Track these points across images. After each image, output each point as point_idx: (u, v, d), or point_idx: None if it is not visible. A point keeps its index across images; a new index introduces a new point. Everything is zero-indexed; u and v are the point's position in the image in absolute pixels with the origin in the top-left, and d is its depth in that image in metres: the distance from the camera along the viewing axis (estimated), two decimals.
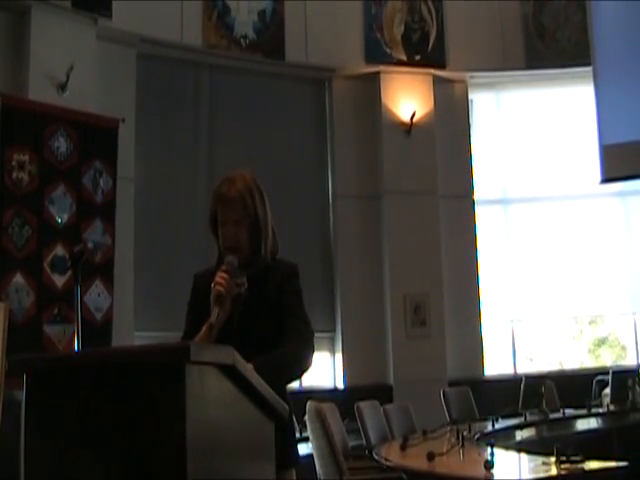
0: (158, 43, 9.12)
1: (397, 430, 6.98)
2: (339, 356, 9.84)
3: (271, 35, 9.82)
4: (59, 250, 7.53)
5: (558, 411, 8.44)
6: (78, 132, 7.87)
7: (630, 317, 10.74)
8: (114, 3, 8.54)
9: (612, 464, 4.72)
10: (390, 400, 8.94)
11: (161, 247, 8.93)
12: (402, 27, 10.52)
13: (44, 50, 7.98)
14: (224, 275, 2.99)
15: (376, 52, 10.39)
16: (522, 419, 7.98)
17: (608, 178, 10.09)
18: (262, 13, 9.80)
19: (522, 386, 8.59)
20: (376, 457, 5.77)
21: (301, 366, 2.97)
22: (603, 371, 9.72)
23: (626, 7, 10.15)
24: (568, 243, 10.72)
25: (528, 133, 11.03)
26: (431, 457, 4.95)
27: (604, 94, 10.08)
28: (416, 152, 10.20)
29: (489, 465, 4.45)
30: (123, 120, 8.27)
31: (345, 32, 10.30)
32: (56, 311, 7.45)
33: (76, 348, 3.36)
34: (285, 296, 3.09)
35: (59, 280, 7.50)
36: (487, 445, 5.34)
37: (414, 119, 10.20)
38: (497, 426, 7.40)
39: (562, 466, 4.41)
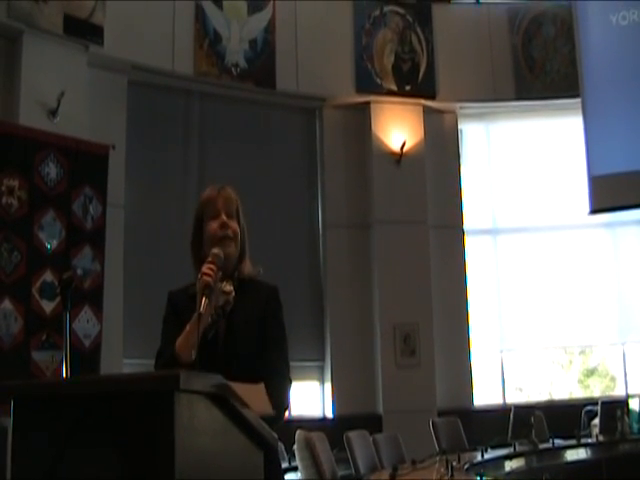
0: (149, 70, 9.14)
1: (386, 460, 6.94)
2: (328, 385, 9.80)
3: (262, 64, 9.85)
4: (48, 276, 7.50)
5: (547, 441, 8.43)
6: (68, 158, 7.86)
7: (619, 347, 10.74)
8: (105, 30, 8.56)
9: None
10: (379, 430, 8.90)
11: (150, 274, 8.90)
12: (392, 57, 10.58)
13: (35, 76, 7.98)
14: (211, 266, 2.91)
15: (366, 82, 10.43)
16: (511, 449, 7.96)
17: (597, 209, 10.15)
18: (253, 42, 9.83)
19: (511, 416, 8.56)
20: None
21: (282, 417, 2.89)
22: (592, 401, 9.75)
23: (614, 40, 10.25)
24: (557, 273, 10.74)
25: (517, 164, 11.09)
26: None
27: (593, 125, 10.15)
28: (406, 182, 10.22)
29: None
30: (113, 147, 8.25)
31: (336, 62, 10.34)
32: (44, 337, 7.39)
33: (64, 375, 3.33)
34: (271, 325, 3.03)
35: (48, 306, 7.46)
36: (476, 475, 5.33)
37: (404, 149, 10.24)
38: (486, 456, 7.36)
39: None
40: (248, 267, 3.13)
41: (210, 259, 2.95)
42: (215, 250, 2.98)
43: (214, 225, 3.06)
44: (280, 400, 2.90)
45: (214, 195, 3.10)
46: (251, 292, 3.08)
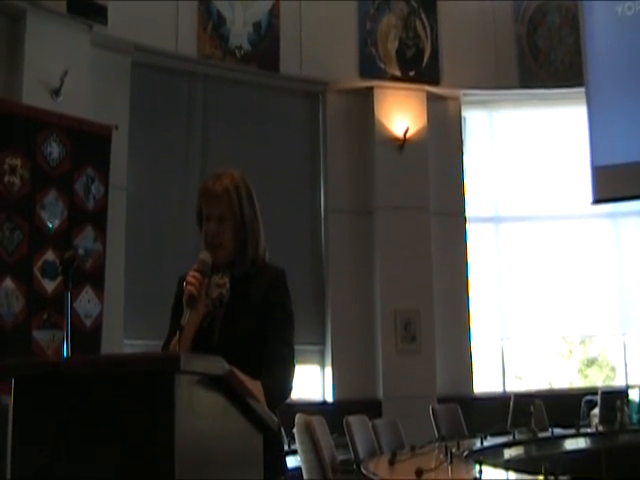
0: (153, 52, 9.11)
1: (386, 445, 6.94)
2: (328, 370, 9.81)
3: (266, 47, 9.82)
4: (50, 256, 7.49)
5: (547, 430, 8.42)
6: (71, 138, 7.84)
7: (620, 338, 10.75)
8: (109, 10, 8.52)
9: None
10: (379, 415, 8.90)
11: (152, 255, 8.90)
12: (396, 43, 10.54)
13: (38, 55, 7.95)
14: (196, 274, 2.90)
15: (370, 67, 10.40)
16: (511, 437, 7.95)
17: (599, 199, 10.13)
18: (257, 25, 9.80)
19: (511, 404, 8.57)
20: (364, 472, 5.72)
21: (283, 400, 2.89)
22: (592, 391, 9.75)
23: (619, 30, 10.22)
24: (559, 263, 10.74)
25: (520, 152, 11.07)
26: (419, 473, 4.90)
27: (596, 115, 10.13)
28: (408, 168, 10.20)
29: None
30: (116, 127, 8.23)
31: (340, 46, 10.31)
32: (45, 317, 7.39)
33: (65, 354, 3.32)
34: (273, 310, 2.99)
35: (49, 286, 7.45)
36: (475, 462, 5.32)
37: (407, 135, 10.21)
38: (486, 444, 7.34)
39: None
40: (255, 253, 3.08)
41: (196, 266, 2.94)
42: (202, 256, 2.97)
43: (205, 229, 3.04)
44: (283, 385, 2.89)
45: (208, 190, 3.05)
46: (256, 278, 3.05)
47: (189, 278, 2.89)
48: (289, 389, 2.93)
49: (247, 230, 3.05)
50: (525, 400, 8.67)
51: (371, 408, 8.85)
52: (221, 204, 3.01)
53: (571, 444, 8.22)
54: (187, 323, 2.86)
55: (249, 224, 3.05)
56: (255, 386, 2.55)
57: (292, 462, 6.43)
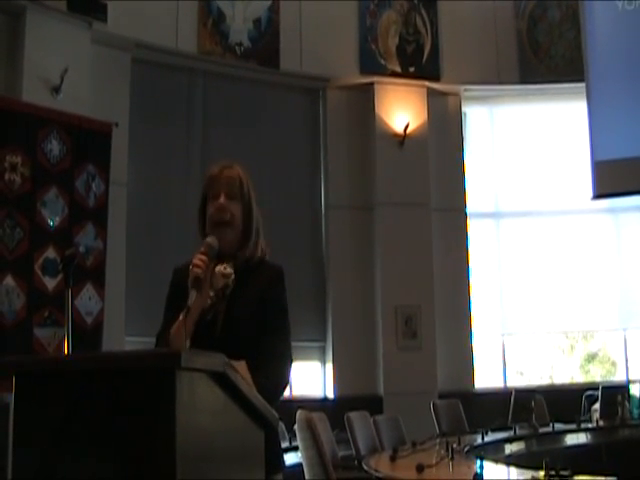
0: (153, 48, 9.11)
1: (387, 441, 6.94)
2: (330, 366, 9.81)
3: (266, 43, 9.81)
4: (50, 253, 7.50)
5: (548, 425, 8.42)
6: (71, 135, 7.85)
7: (620, 333, 10.75)
8: (109, 7, 8.51)
9: (601, 479, 4.70)
10: (380, 411, 8.91)
11: (153, 252, 8.90)
12: (397, 39, 10.54)
13: (38, 52, 7.95)
14: (202, 257, 2.87)
15: (371, 63, 10.40)
16: (512, 433, 7.94)
17: (600, 194, 10.12)
18: (257, 21, 9.80)
19: (512, 400, 8.57)
20: (365, 468, 5.72)
21: (278, 397, 2.87)
22: (593, 386, 9.75)
23: (620, 25, 10.21)
24: (559, 258, 10.73)
25: (521, 147, 11.06)
26: (420, 469, 4.91)
27: (597, 110, 10.12)
28: (409, 164, 10.19)
29: (478, 478, 4.42)
30: (116, 124, 8.25)
31: (340, 42, 10.30)
32: (47, 314, 7.41)
33: (66, 352, 3.32)
34: (270, 307, 2.99)
35: (50, 283, 7.46)
36: (476, 458, 5.31)
37: (407, 131, 10.21)
38: (487, 439, 7.34)
39: None
40: (255, 248, 3.08)
41: (202, 249, 2.92)
42: (208, 239, 2.95)
43: (212, 208, 3.02)
44: (277, 380, 2.89)
45: (216, 174, 3.06)
46: (255, 274, 3.04)
47: (195, 261, 2.87)
48: (284, 386, 2.92)
49: (252, 219, 3.06)
50: (526, 395, 8.67)
51: (372, 404, 8.86)
52: (232, 184, 3.03)
53: (572, 439, 8.21)
54: (192, 305, 2.84)
55: (254, 214, 3.07)
56: (240, 366, 2.54)
57: (293, 458, 6.45)
